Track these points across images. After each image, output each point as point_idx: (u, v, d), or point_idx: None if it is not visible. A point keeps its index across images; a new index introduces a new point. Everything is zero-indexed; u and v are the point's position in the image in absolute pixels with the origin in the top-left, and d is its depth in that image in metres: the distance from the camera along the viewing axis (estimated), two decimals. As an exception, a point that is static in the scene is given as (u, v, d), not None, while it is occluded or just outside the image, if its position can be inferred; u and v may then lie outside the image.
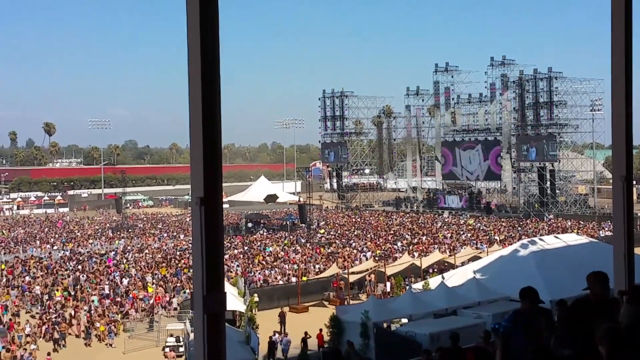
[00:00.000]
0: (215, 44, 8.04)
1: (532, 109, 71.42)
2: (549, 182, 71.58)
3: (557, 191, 71.90)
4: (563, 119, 71.10)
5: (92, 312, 35.12)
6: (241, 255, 48.43)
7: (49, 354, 29.13)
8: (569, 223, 61.67)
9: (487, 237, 55.39)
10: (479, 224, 64.06)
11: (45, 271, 45.55)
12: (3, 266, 47.62)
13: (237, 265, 43.66)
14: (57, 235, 65.62)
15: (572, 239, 36.58)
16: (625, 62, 11.38)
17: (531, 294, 7.61)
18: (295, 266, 44.55)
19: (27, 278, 43.26)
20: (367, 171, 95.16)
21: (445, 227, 62.92)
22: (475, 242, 52.30)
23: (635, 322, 5.73)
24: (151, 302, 36.80)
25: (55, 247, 57.31)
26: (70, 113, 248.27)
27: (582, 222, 62.40)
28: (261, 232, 62.50)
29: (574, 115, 71.88)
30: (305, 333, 27.91)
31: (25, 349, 29.95)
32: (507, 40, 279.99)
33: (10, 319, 34.13)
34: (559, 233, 44.69)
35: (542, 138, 70.61)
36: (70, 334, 32.66)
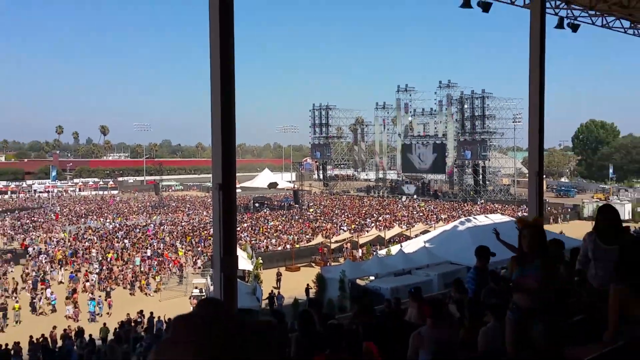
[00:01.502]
0: (231, 65, 8.02)
1: (469, 120, 71.69)
2: (481, 175, 72.02)
3: (487, 182, 72.27)
4: (492, 128, 71.53)
5: (135, 270, 35.15)
6: (249, 228, 48.44)
7: (106, 298, 29.28)
8: (496, 206, 62.09)
9: (435, 216, 55.67)
10: (428, 206, 64.25)
11: (100, 238, 45.46)
12: (66, 234, 47.44)
13: (246, 235, 43.67)
14: (109, 211, 65.44)
15: (497, 217, 36.72)
16: (539, 85, 11.48)
17: (485, 252, 7.94)
18: (290, 236, 44.67)
19: (86, 243, 43.14)
20: (345, 165, 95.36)
21: (403, 208, 63.09)
22: (425, 219, 52.57)
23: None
24: (181, 262, 36.85)
25: (107, 220, 57.09)
26: (120, 117, 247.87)
27: (505, 206, 62.82)
28: (265, 210, 62.41)
29: (500, 126, 72.40)
30: (307, 285, 28.29)
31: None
32: (451, 67, 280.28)
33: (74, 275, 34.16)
34: (488, 213, 44.89)
35: (476, 142, 71.02)
36: (118, 286, 32.69)
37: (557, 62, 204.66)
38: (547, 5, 16.57)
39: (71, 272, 34.97)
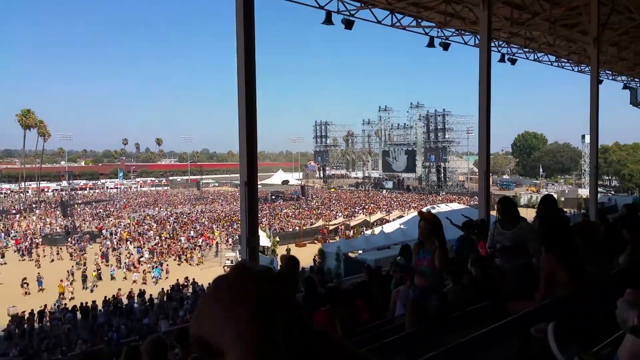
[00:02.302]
0: (254, 90, 7.99)
1: (433, 132, 71.43)
2: (442, 174, 71.89)
3: (447, 179, 72.14)
4: (451, 138, 71.30)
5: (183, 246, 35.17)
6: (268, 214, 48.40)
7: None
8: (454, 197, 61.93)
9: (408, 204, 55.58)
10: (402, 197, 64.17)
11: (156, 222, 45.50)
12: (130, 220, 47.52)
13: (265, 220, 43.63)
14: (162, 203, 65.49)
15: (455, 205, 36.81)
16: (486, 104, 11.44)
17: (470, 225, 7.88)
18: (299, 220, 44.66)
19: (146, 226, 43.21)
20: (336, 167, 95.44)
21: (383, 199, 62.99)
22: (400, 207, 52.50)
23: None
24: (216, 240, 36.85)
25: (161, 209, 57.12)
26: (170, 131, 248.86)
27: (461, 197, 62.68)
28: (279, 201, 62.33)
29: (457, 136, 72.12)
30: (315, 257, 27.70)
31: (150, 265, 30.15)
32: (420, 90, 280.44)
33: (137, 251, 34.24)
34: (448, 202, 44.88)
35: (439, 149, 70.80)
36: (169, 258, 32.72)
37: (501, 86, 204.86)
38: (492, 44, 16.58)
39: (138, 247, 35.10)
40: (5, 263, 31.83)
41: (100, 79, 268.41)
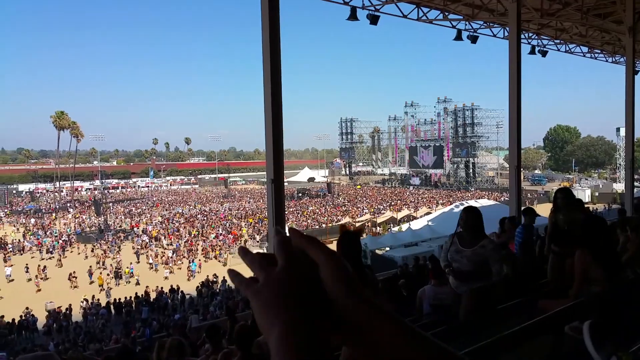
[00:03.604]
0: (279, 90, 8.04)
1: (461, 127, 70.37)
2: (471, 170, 70.68)
3: (476, 175, 70.97)
4: (479, 133, 70.08)
5: (212, 242, 35.64)
6: (294, 211, 48.61)
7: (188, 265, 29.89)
8: (483, 193, 60.93)
9: (435, 201, 54.89)
10: (430, 194, 63.46)
11: (185, 220, 46.24)
12: (160, 218, 48.39)
13: (292, 217, 43.81)
14: (191, 200, 66.41)
15: (485, 202, 36.20)
16: (517, 98, 11.22)
17: (531, 212, 7.41)
18: (325, 217, 44.69)
19: (176, 224, 43.96)
20: (361, 163, 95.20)
21: (410, 195, 62.47)
22: (428, 204, 51.94)
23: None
24: (244, 237, 37.20)
25: (190, 207, 58.01)
26: (199, 131, 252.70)
27: (490, 193, 61.56)
28: (305, 198, 62.56)
29: (486, 131, 70.67)
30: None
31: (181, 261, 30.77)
32: (447, 85, 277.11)
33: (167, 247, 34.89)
34: (477, 198, 44.18)
35: (467, 144, 69.66)
36: (198, 254, 33.21)
37: (531, 79, 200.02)
38: (522, 36, 16.22)
39: (168, 244, 35.80)
40: (51, 258, 32.92)
41: (131, 80, 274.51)
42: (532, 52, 19.60)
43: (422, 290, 5.48)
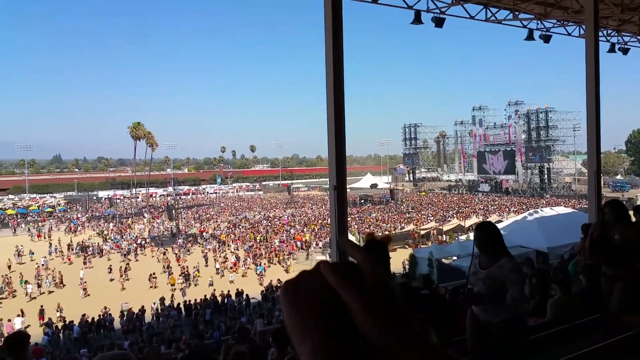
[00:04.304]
0: (342, 97, 8.06)
1: (535, 131, 67.19)
2: (546, 175, 67.28)
3: (552, 181, 67.48)
4: (555, 136, 66.56)
5: (275, 248, 36.23)
6: (357, 218, 48.41)
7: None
8: (559, 200, 57.72)
9: (507, 208, 52.67)
10: (500, 201, 61.00)
11: (250, 225, 47.36)
12: (228, 223, 49.91)
13: (354, 224, 43.62)
14: (256, 206, 67.94)
15: (561, 209, 34.34)
16: (595, 99, 10.55)
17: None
18: (388, 224, 44.17)
19: (242, 229, 45.12)
20: (426, 169, 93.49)
21: (479, 202, 60.40)
22: (499, 211, 49.92)
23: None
24: (307, 243, 37.46)
25: (255, 213, 59.36)
26: (263, 139, 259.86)
27: (567, 200, 58.19)
28: (368, 205, 62.22)
29: (562, 134, 67.06)
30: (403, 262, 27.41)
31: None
32: (518, 87, 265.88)
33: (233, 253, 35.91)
34: (553, 206, 41.93)
35: (541, 148, 66.43)
36: (263, 260, 33.83)
37: (611, 79, 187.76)
38: (600, 34, 15.28)
39: (236, 248, 36.82)
40: (124, 260, 34.88)
41: (201, 91, 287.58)
42: (612, 50, 18.39)
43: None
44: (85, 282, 28.34)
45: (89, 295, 27.28)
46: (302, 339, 0.46)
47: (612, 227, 4.27)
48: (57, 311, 23.26)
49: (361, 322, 0.47)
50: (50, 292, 28.30)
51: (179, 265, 32.28)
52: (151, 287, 28.18)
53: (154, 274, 29.32)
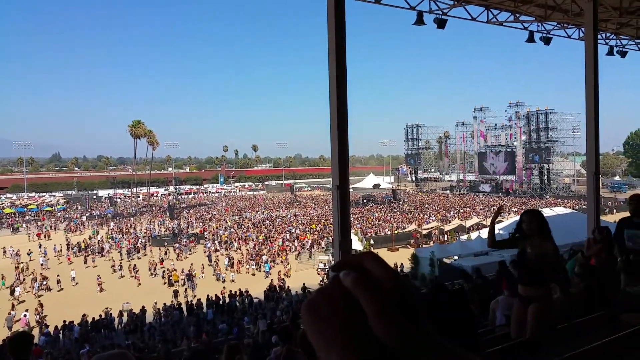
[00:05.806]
0: (345, 99, 8.11)
1: (535, 132, 67.29)
2: (546, 176, 67.50)
3: (551, 181, 67.56)
4: (555, 138, 66.67)
5: (278, 248, 36.27)
6: (359, 218, 48.40)
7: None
8: (559, 201, 57.74)
9: (507, 208, 52.64)
10: (501, 201, 60.96)
11: (253, 225, 47.35)
12: (230, 222, 49.91)
13: (357, 224, 43.59)
14: (259, 206, 67.80)
15: (561, 210, 34.42)
16: (594, 101, 10.60)
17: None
18: (390, 224, 44.18)
19: (245, 229, 45.10)
20: (432, 170, 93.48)
21: (480, 202, 60.40)
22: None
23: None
24: (310, 242, 37.48)
25: (258, 213, 59.32)
26: (266, 138, 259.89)
27: (566, 200, 58.19)
28: (370, 205, 62.20)
29: (561, 135, 67.21)
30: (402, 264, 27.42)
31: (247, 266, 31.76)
32: (518, 89, 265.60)
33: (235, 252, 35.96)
34: (552, 207, 41.95)
35: (541, 149, 66.58)
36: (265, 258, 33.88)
37: (609, 81, 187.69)
38: (599, 37, 15.35)
39: (237, 248, 36.84)
40: (146, 255, 35.91)
41: (203, 90, 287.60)
42: (610, 52, 18.45)
43: (495, 301, 5.38)
44: (100, 279, 28.66)
45: (104, 290, 27.84)
46: (327, 352, 0.45)
47: (528, 239, 4.36)
48: (36, 314, 23.18)
49: (375, 326, 0.47)
50: (60, 289, 28.41)
51: (178, 260, 32.40)
52: (164, 283, 28.77)
53: (168, 270, 30.05)
